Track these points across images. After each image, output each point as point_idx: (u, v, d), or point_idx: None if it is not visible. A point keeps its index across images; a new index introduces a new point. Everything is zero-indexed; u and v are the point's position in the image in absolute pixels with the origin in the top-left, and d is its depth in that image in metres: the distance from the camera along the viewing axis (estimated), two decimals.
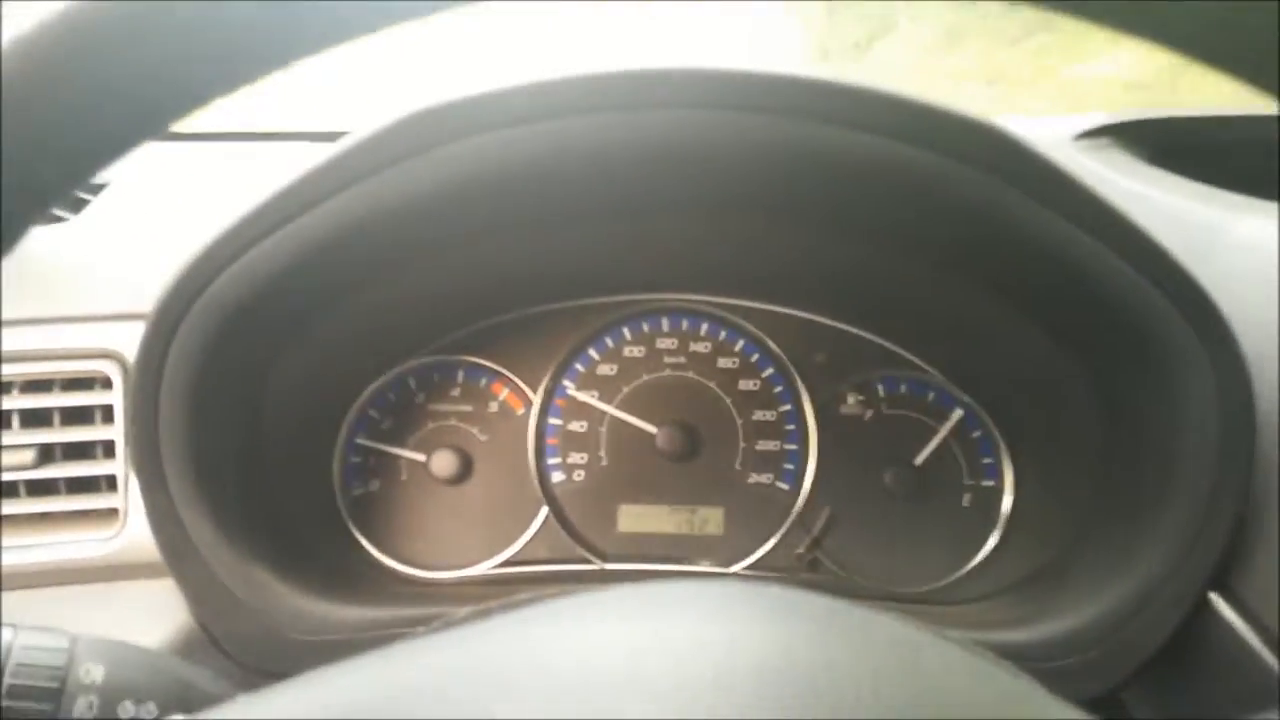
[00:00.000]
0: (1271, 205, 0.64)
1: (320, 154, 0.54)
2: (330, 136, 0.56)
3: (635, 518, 0.78)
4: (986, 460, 0.75)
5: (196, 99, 0.26)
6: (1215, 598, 0.57)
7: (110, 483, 0.65)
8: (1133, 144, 0.72)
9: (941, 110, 0.52)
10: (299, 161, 0.54)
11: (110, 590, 0.64)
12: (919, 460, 0.75)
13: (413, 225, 0.58)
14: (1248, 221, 0.61)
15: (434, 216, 0.58)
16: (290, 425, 0.70)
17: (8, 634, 0.40)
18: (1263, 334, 0.54)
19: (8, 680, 0.39)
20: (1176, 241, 0.53)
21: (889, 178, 0.53)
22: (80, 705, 0.40)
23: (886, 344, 0.78)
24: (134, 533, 0.64)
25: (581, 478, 0.79)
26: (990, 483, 0.75)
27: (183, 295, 0.55)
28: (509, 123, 0.51)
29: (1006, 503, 0.74)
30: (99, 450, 0.66)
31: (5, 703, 0.39)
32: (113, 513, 0.65)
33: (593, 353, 0.80)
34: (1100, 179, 0.56)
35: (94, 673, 0.40)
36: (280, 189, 0.54)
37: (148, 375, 0.57)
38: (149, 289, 0.63)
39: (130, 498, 0.64)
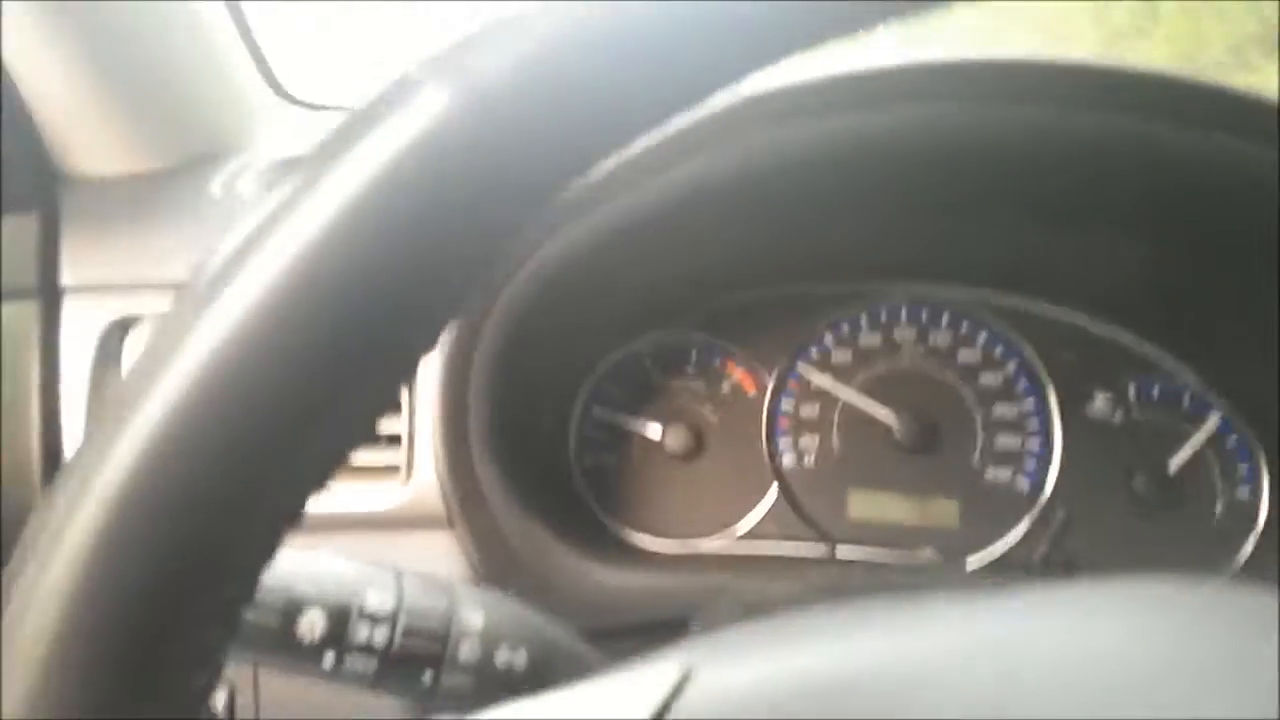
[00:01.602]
0: None
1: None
2: None
3: (866, 504, 0.79)
4: (1243, 467, 0.74)
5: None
6: None
7: (391, 440, 0.69)
8: None
9: (1253, 98, 0.51)
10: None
11: (388, 541, 0.68)
12: (1172, 467, 0.74)
13: (707, 206, 0.60)
14: None
15: (727, 198, 0.60)
16: (548, 393, 0.74)
17: (395, 578, 0.43)
18: None
19: (403, 621, 0.42)
20: None
21: (1163, 164, 0.52)
22: (465, 648, 0.42)
23: (1140, 345, 0.76)
24: (416, 487, 0.67)
25: (812, 461, 0.80)
26: (1246, 492, 0.73)
27: (499, 272, 0.58)
28: (858, 106, 0.52)
29: (1263, 513, 0.73)
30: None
31: (400, 643, 0.42)
32: (393, 469, 0.69)
33: (828, 339, 0.81)
34: None
35: (475, 619, 0.43)
36: (612, 164, 0.56)
37: (461, 347, 0.60)
38: None
39: (414, 454, 0.68)
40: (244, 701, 0.67)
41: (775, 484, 0.79)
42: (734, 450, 0.80)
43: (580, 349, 0.78)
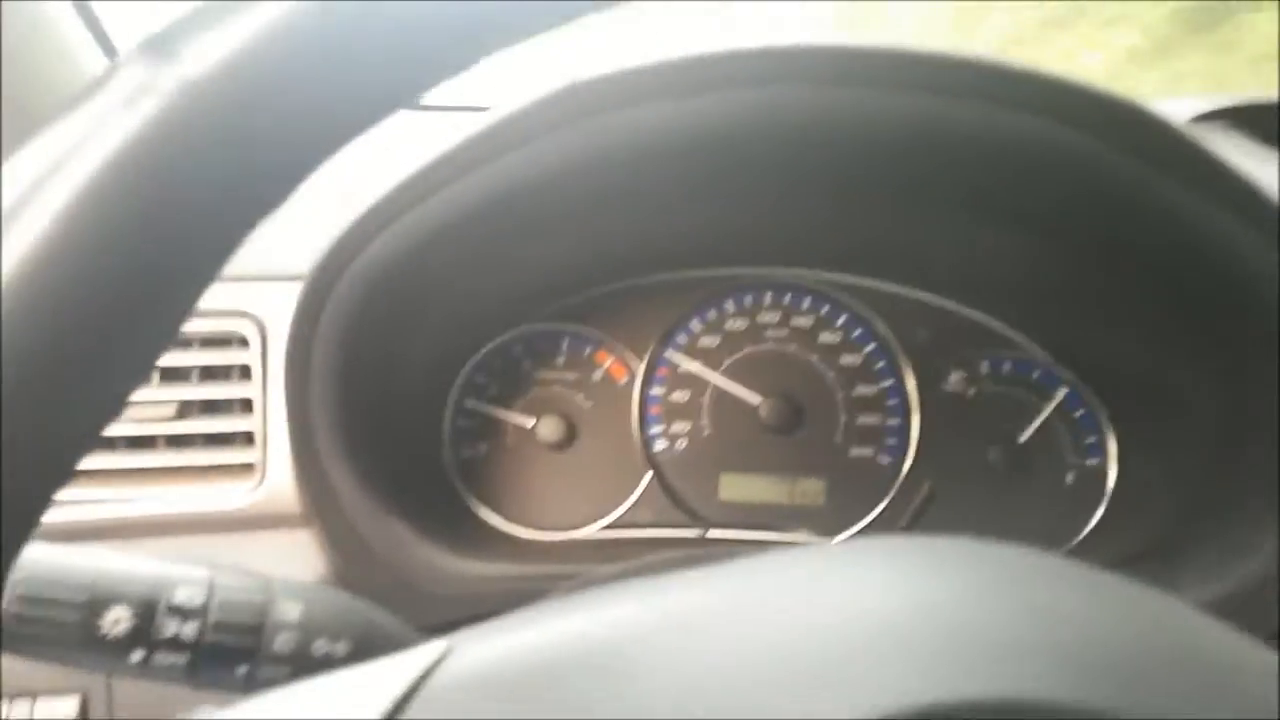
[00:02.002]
0: None
1: (472, 123, 0.56)
2: (476, 109, 0.59)
3: (737, 486, 0.81)
4: (1091, 439, 0.77)
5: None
6: None
7: (246, 439, 0.68)
8: (1252, 127, 0.73)
9: (1087, 87, 0.54)
10: (449, 130, 0.57)
11: (243, 541, 0.68)
12: (1022, 438, 0.77)
13: (551, 197, 0.61)
14: None
15: (573, 188, 0.61)
16: (413, 386, 0.73)
17: (208, 572, 0.43)
18: None
19: (215, 616, 0.42)
20: None
21: (1033, 158, 0.54)
22: (280, 640, 0.43)
23: (991, 322, 0.79)
24: (270, 486, 0.67)
25: (684, 446, 0.81)
26: (1094, 461, 0.77)
27: (339, 258, 0.58)
28: (670, 95, 0.53)
29: (1110, 481, 0.76)
30: (236, 407, 0.69)
31: (211, 637, 0.42)
32: (248, 467, 0.68)
33: (695, 324, 0.82)
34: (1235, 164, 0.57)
35: (291, 611, 0.43)
36: (431, 160, 0.56)
37: (301, 336, 0.60)
38: (283, 251, 0.66)
39: (267, 453, 0.67)
40: (98, 709, 0.66)
41: (648, 470, 0.80)
42: (607, 438, 0.81)
43: (449, 342, 0.78)
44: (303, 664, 0.43)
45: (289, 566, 0.67)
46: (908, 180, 0.62)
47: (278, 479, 0.66)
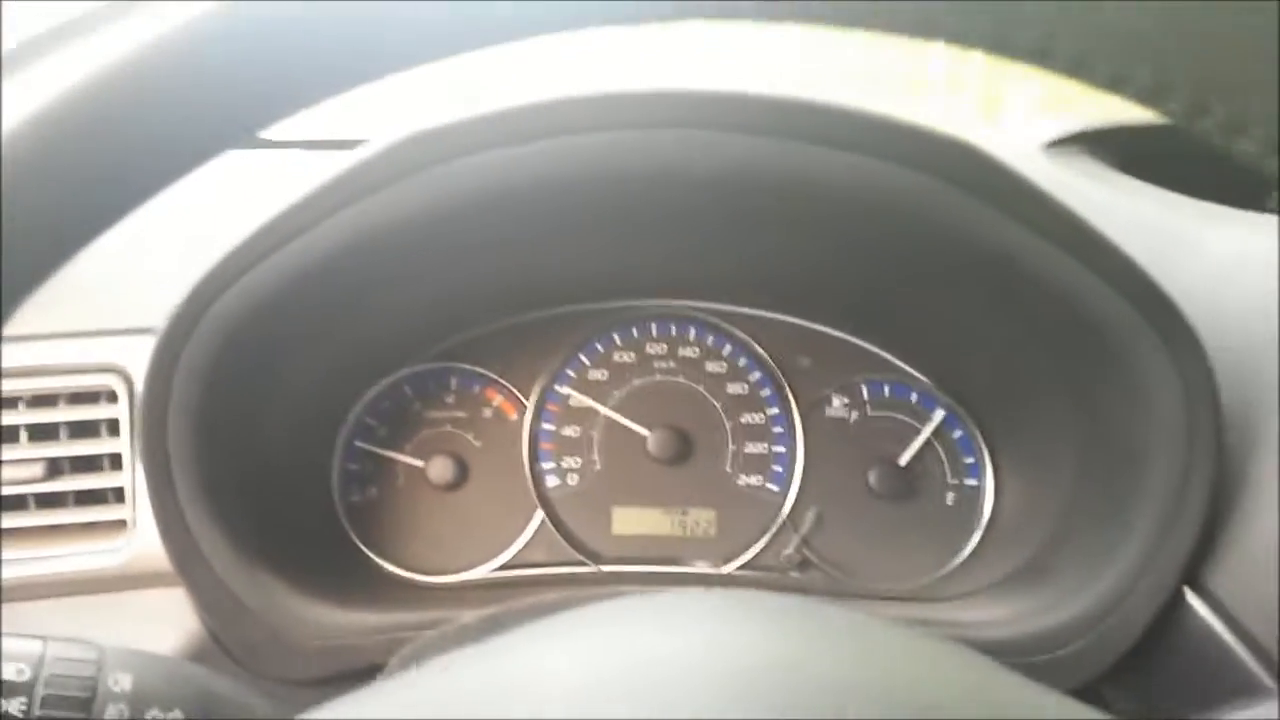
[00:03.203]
0: (1242, 214, 0.68)
1: (323, 172, 0.57)
2: (339, 144, 0.60)
3: (629, 520, 0.82)
4: (969, 460, 0.80)
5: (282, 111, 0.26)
6: (1190, 595, 0.61)
7: (118, 495, 0.68)
8: (1103, 151, 0.76)
9: (914, 128, 0.56)
10: (303, 179, 0.58)
11: (120, 600, 0.68)
12: (903, 460, 0.79)
13: (413, 241, 0.62)
14: (1219, 230, 0.65)
15: (434, 232, 0.62)
16: (290, 433, 0.74)
17: (38, 646, 0.44)
18: (1236, 339, 0.58)
19: (42, 690, 0.42)
20: (1145, 249, 0.57)
21: (868, 194, 0.57)
22: (111, 713, 0.43)
23: (870, 347, 0.81)
24: (143, 543, 0.67)
25: (575, 481, 0.83)
26: (973, 482, 0.79)
27: (190, 312, 0.59)
28: (507, 142, 0.55)
29: (988, 502, 0.79)
30: (105, 463, 0.69)
31: (40, 712, 0.42)
32: (120, 524, 0.68)
33: (584, 358, 0.83)
34: (1069, 188, 0.60)
35: (122, 681, 0.44)
36: (284, 209, 0.57)
37: (157, 388, 0.60)
38: (149, 304, 0.66)
39: (138, 509, 0.68)
40: None
41: (539, 508, 0.82)
42: (498, 476, 0.82)
43: (330, 387, 0.78)
44: None
45: (164, 626, 0.67)
46: (766, 218, 0.64)
47: (149, 536, 0.67)
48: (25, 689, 0.42)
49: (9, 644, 0.43)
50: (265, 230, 0.57)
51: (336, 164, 0.57)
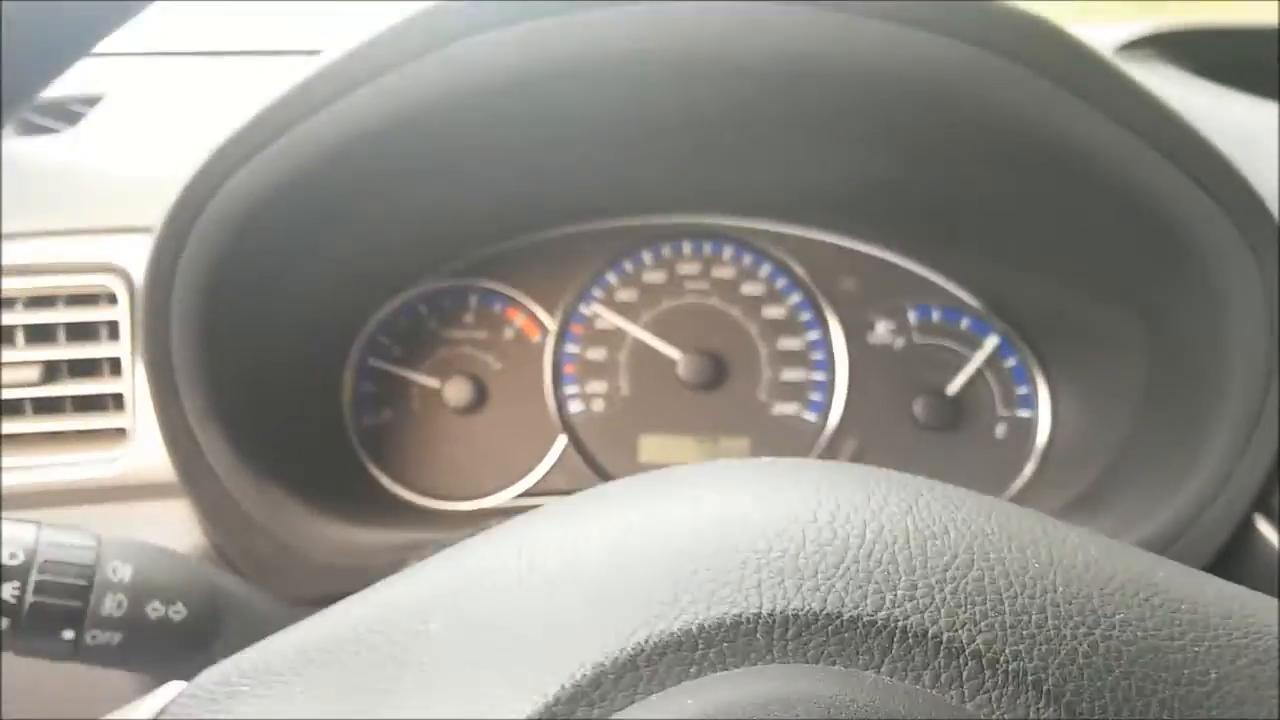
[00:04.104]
0: None
1: (319, 59, 0.54)
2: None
3: (657, 448, 0.79)
4: (1022, 390, 0.76)
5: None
6: (1260, 520, 0.58)
7: (117, 401, 0.66)
8: (1179, 56, 0.72)
9: (1006, 10, 0.52)
10: (301, 69, 0.55)
11: (119, 511, 0.65)
12: (951, 390, 0.76)
13: (422, 135, 0.59)
14: None
15: (443, 126, 0.59)
16: (300, 347, 0.71)
17: (33, 531, 0.41)
18: None
19: (36, 576, 0.40)
20: (1222, 147, 0.53)
21: (934, 78, 0.53)
22: (109, 603, 0.40)
23: (919, 269, 0.78)
24: (143, 452, 0.64)
25: (601, 407, 0.80)
26: (1026, 413, 0.76)
27: (189, 206, 0.56)
28: (514, 20, 0.51)
29: (1043, 433, 0.75)
30: (105, 368, 0.66)
31: (33, 598, 0.40)
32: (120, 433, 0.65)
33: (611, 278, 0.80)
34: (1147, 88, 0.56)
35: (121, 571, 0.41)
36: (282, 94, 0.54)
37: (158, 287, 0.57)
38: (149, 202, 0.63)
39: (138, 417, 0.65)
40: None
41: (563, 433, 0.79)
42: (519, 400, 0.79)
43: (342, 300, 0.75)
44: (135, 629, 0.41)
45: (165, 538, 0.64)
46: (814, 113, 0.60)
47: (149, 445, 0.64)
48: (19, 573, 0.39)
49: (2, 528, 0.41)
50: (261, 119, 0.54)
51: (337, 49, 0.54)
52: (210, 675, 0.27)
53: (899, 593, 0.24)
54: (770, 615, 0.23)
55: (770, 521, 0.26)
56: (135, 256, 0.65)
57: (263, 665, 0.26)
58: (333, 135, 0.54)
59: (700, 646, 0.23)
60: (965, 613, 0.23)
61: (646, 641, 0.23)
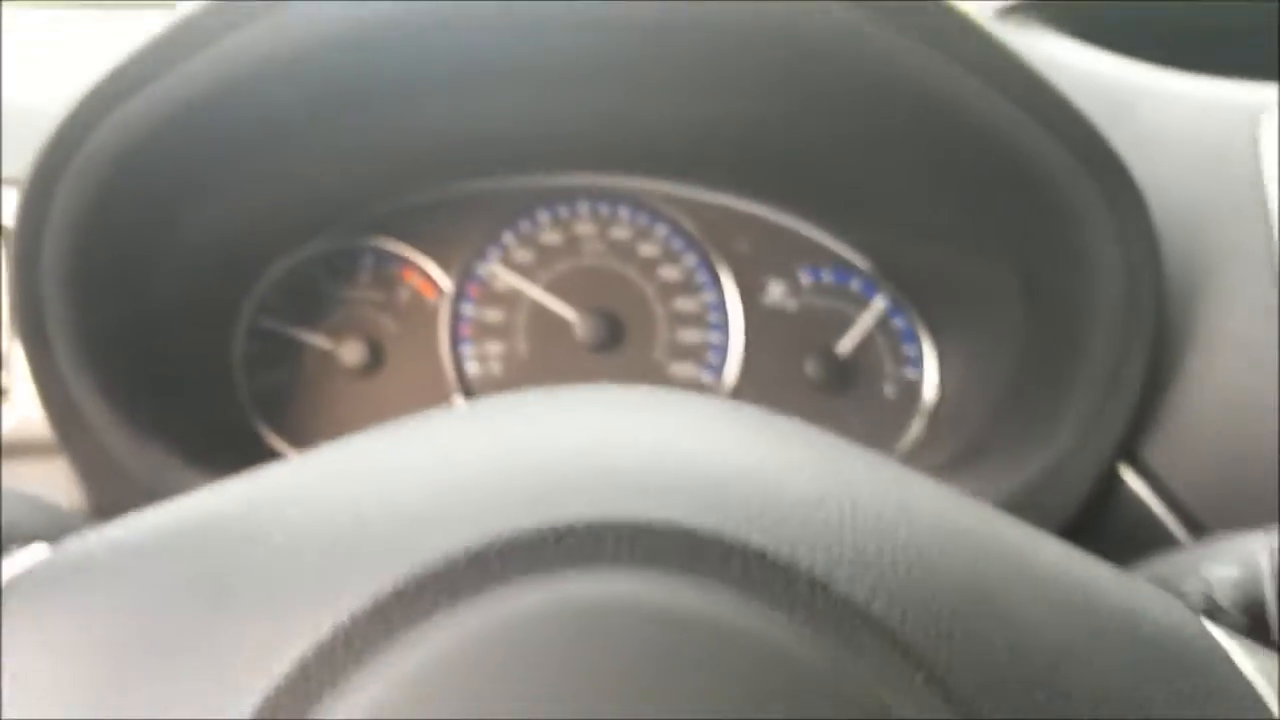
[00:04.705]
0: (1199, 79, 0.68)
1: (189, 5, 0.54)
2: None
3: None
4: (910, 351, 0.79)
5: None
6: (1126, 470, 0.61)
7: None
8: (1058, 20, 0.75)
9: None
10: (168, 17, 0.54)
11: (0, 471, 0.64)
12: (842, 351, 0.78)
13: (301, 79, 0.58)
14: (1169, 86, 0.65)
15: (328, 71, 0.58)
16: (187, 304, 0.70)
17: None
18: (1180, 201, 0.58)
19: None
20: (1093, 110, 0.56)
21: (805, 34, 0.55)
22: None
23: (810, 232, 0.80)
24: (22, 411, 0.63)
25: (499, 369, 0.80)
26: (914, 373, 0.79)
27: (58, 150, 0.55)
28: None
29: (929, 393, 0.78)
30: None
31: None
32: None
33: (508, 238, 0.81)
34: (1021, 50, 0.58)
35: None
36: (148, 42, 0.53)
37: (28, 236, 0.56)
38: (22, 154, 0.62)
39: (16, 374, 0.64)
40: None
41: (460, 394, 0.79)
42: (415, 361, 0.79)
43: (228, 255, 0.75)
44: None
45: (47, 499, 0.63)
46: (697, 67, 0.61)
47: (28, 404, 0.63)
48: None
49: None
50: (121, 71, 0.53)
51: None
52: (73, 543, 0.27)
53: (749, 511, 0.25)
54: (624, 523, 0.24)
55: (635, 437, 0.27)
56: (8, 209, 0.64)
57: (122, 538, 0.27)
58: (202, 85, 0.53)
59: (549, 544, 0.23)
60: (807, 538, 0.24)
61: (499, 535, 0.23)
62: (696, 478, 0.26)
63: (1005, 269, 0.68)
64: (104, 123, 0.54)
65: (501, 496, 0.24)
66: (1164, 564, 0.38)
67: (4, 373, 0.64)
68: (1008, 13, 0.72)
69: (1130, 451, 0.61)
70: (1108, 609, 0.26)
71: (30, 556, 0.27)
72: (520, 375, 0.80)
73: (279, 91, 0.57)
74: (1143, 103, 0.64)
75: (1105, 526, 0.63)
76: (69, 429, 0.60)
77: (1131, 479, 0.62)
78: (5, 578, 0.26)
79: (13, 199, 0.64)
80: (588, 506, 0.24)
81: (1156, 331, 0.58)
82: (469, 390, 0.79)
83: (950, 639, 0.23)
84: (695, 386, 0.80)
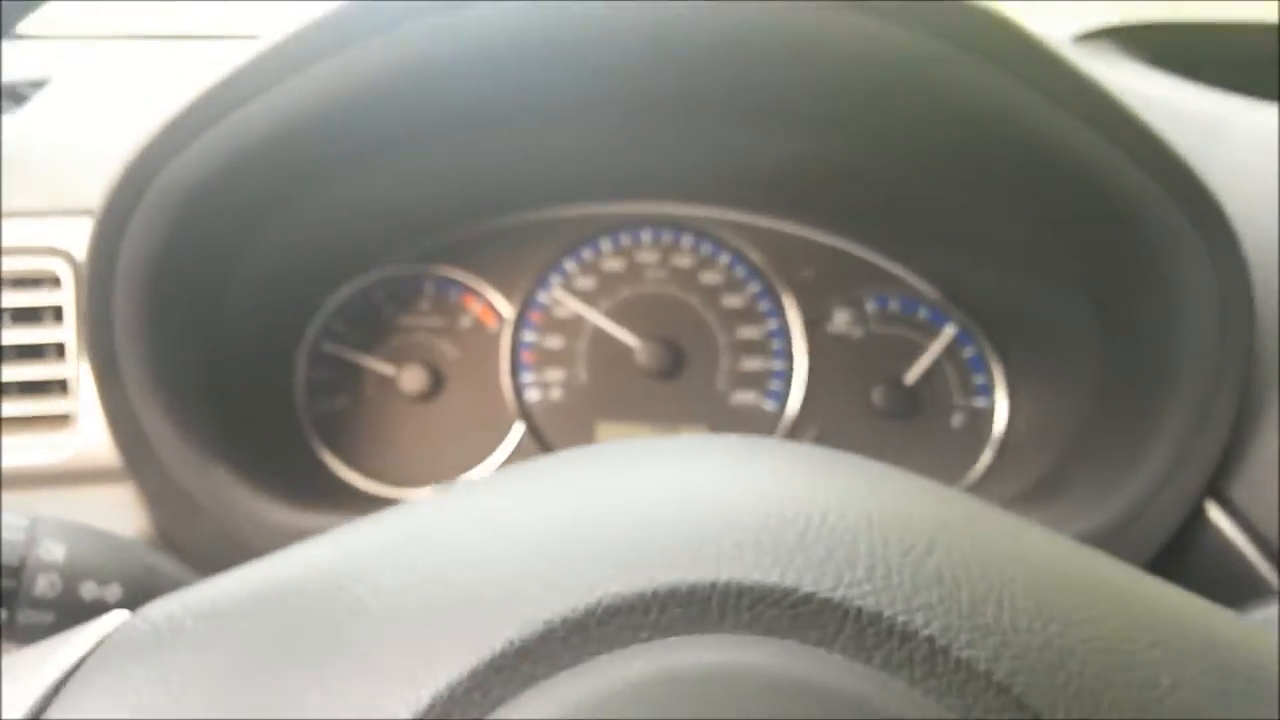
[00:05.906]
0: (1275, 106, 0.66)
1: (262, 42, 0.54)
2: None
3: (614, 436, 0.80)
4: (979, 379, 0.78)
5: None
6: (1212, 507, 0.59)
7: (63, 386, 0.66)
8: (1134, 47, 0.73)
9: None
10: (241, 52, 0.55)
11: (66, 497, 0.65)
12: (909, 379, 0.77)
13: (371, 116, 0.59)
14: (1251, 116, 0.63)
15: (393, 107, 0.59)
16: (250, 330, 0.71)
17: None
18: (1266, 232, 0.56)
19: None
20: (1176, 138, 0.54)
21: (884, 67, 0.54)
22: (41, 584, 0.41)
23: (877, 259, 0.79)
24: (88, 438, 0.64)
25: (559, 395, 0.80)
26: (983, 402, 0.77)
27: (131, 184, 0.56)
28: (468, 3, 0.52)
29: (1000, 423, 0.77)
30: (50, 352, 0.66)
31: None
32: (65, 418, 0.65)
33: (569, 265, 0.81)
34: (1099, 77, 0.57)
35: (55, 551, 0.41)
36: (222, 78, 0.54)
37: (100, 270, 0.57)
38: (96, 185, 0.63)
39: (83, 402, 0.65)
40: None
41: (520, 420, 0.79)
42: (475, 388, 0.80)
43: (295, 285, 0.76)
44: (68, 609, 0.41)
45: (111, 524, 0.64)
46: (766, 99, 0.61)
47: (95, 430, 0.64)
48: None
49: None
50: (206, 98, 0.54)
51: (281, 30, 0.55)
52: (156, 608, 0.27)
53: (858, 573, 0.23)
54: (726, 585, 0.23)
55: (732, 494, 0.26)
56: (80, 239, 0.65)
57: (209, 604, 0.26)
58: (272, 120, 0.54)
59: (653, 611, 0.22)
60: (921, 598, 0.23)
61: (599, 602, 0.22)
62: (799, 534, 0.25)
63: (1079, 297, 0.66)
64: (175, 160, 0.55)
65: (597, 559, 0.23)
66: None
67: (72, 401, 0.66)
68: (1085, 39, 0.71)
69: (1217, 489, 0.59)
70: (1235, 664, 0.25)
71: (114, 620, 0.27)
72: (580, 401, 0.80)
73: (346, 126, 0.58)
74: (1225, 132, 0.62)
75: (1192, 563, 0.61)
76: (136, 455, 0.61)
77: (1217, 516, 0.60)
78: (89, 643, 0.26)
79: (76, 228, 0.66)
80: (689, 569, 0.23)
81: (1247, 366, 0.56)
82: (529, 417, 0.80)
83: (1077, 700, 0.22)
84: (756, 414, 0.79)
